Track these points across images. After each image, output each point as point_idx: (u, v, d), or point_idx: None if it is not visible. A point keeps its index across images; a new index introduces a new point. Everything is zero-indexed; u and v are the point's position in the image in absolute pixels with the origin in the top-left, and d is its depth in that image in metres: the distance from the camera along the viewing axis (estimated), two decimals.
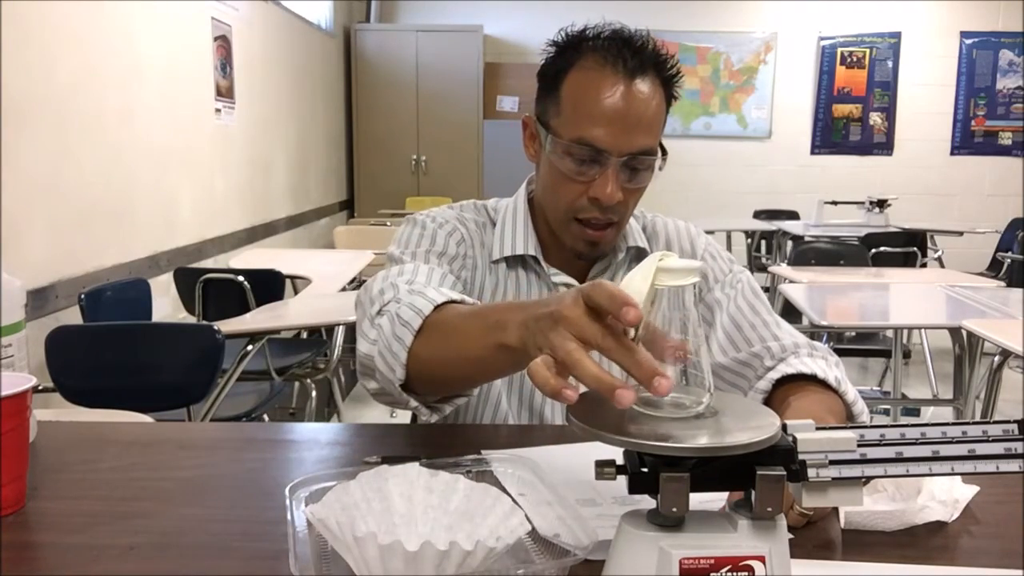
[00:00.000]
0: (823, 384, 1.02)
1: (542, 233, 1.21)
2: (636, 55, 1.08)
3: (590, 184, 1.08)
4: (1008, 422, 0.63)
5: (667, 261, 0.65)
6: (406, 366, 0.91)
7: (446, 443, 1.08)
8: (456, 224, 1.20)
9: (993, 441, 0.63)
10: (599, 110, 1.06)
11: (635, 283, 0.65)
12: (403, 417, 3.63)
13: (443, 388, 0.95)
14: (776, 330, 1.16)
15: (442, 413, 0.99)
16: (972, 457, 0.63)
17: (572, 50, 1.10)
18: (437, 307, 0.92)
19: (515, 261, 1.21)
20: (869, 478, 0.64)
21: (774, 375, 1.06)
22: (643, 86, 1.07)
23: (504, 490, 0.77)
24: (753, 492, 0.61)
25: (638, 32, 1.11)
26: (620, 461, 0.63)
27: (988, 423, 0.63)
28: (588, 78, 1.07)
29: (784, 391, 1.04)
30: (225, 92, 4.21)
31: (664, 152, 1.12)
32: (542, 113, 1.13)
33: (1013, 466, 0.63)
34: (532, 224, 1.21)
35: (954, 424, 0.63)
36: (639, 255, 1.24)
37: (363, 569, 0.65)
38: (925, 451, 0.63)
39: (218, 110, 4.13)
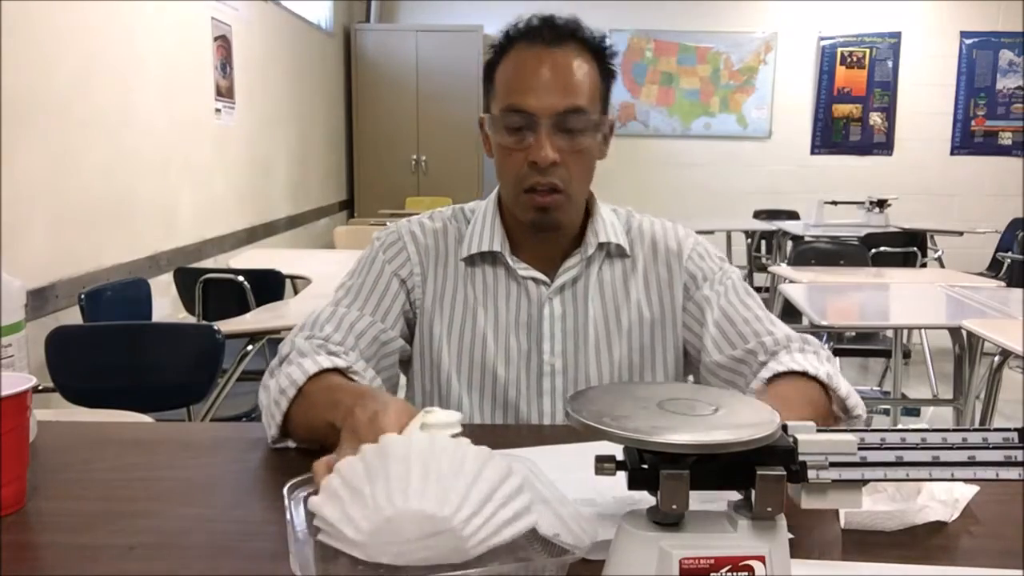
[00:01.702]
0: (814, 380, 1.03)
1: (511, 229, 1.23)
2: (554, 29, 1.14)
3: (528, 151, 1.12)
4: (1008, 430, 0.64)
5: (430, 417, 0.80)
6: (282, 426, 1.04)
7: None
8: (406, 241, 1.25)
9: (993, 448, 0.63)
10: (522, 77, 1.13)
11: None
12: None
13: (313, 444, 1.01)
14: (769, 325, 1.17)
15: None
16: (972, 463, 0.63)
17: (505, 43, 1.17)
18: (311, 377, 1.03)
19: (485, 258, 1.23)
20: (868, 480, 0.64)
21: (765, 374, 1.06)
22: (563, 51, 1.13)
23: None
24: (753, 492, 0.61)
25: (569, 17, 1.18)
26: (620, 457, 0.63)
27: (988, 430, 0.64)
28: (514, 58, 1.15)
29: (774, 388, 1.04)
30: (225, 92, 4.21)
31: (606, 118, 1.16)
32: (486, 107, 1.19)
33: (1012, 473, 0.63)
34: (501, 221, 1.24)
35: (955, 430, 0.64)
36: (619, 251, 1.24)
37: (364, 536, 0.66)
38: (925, 456, 0.63)
39: (218, 110, 4.13)
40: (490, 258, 1.23)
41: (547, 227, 1.18)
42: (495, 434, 1.14)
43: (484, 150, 1.22)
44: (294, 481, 0.78)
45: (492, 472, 0.69)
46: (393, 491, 0.67)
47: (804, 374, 1.03)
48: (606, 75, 1.17)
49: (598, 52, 1.16)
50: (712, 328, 1.18)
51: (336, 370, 1.06)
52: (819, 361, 1.06)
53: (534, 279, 1.22)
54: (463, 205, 1.30)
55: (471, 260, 1.23)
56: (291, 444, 1.05)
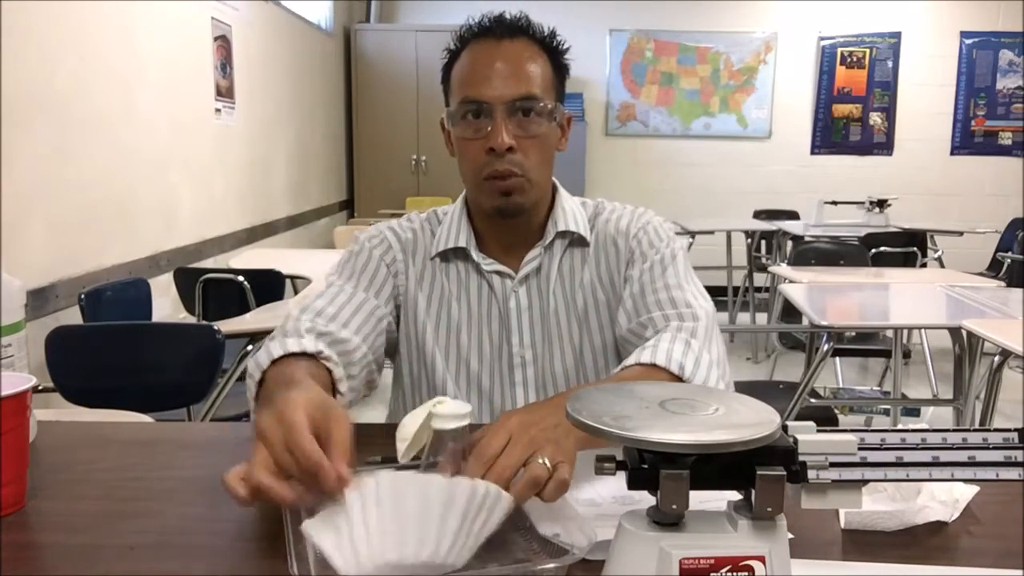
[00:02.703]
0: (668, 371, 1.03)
1: (478, 226, 1.27)
2: (503, 24, 1.19)
3: (486, 139, 1.16)
4: (1008, 430, 0.64)
5: (440, 408, 0.79)
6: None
7: None
8: (387, 234, 1.29)
9: (993, 448, 0.63)
10: (476, 70, 1.18)
11: (407, 427, 0.81)
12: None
13: None
14: (675, 292, 1.17)
15: None
16: (972, 464, 0.63)
17: (459, 44, 1.22)
18: (274, 362, 1.02)
19: (454, 255, 1.27)
20: (868, 481, 0.64)
21: (628, 361, 1.07)
22: (513, 44, 1.18)
23: None
24: (753, 492, 0.61)
25: (519, 14, 1.21)
26: (620, 457, 0.63)
27: (988, 431, 0.64)
28: (467, 55, 1.20)
29: (622, 375, 1.06)
30: (225, 92, 4.21)
31: (560, 108, 1.20)
32: (446, 106, 1.24)
33: (1012, 474, 0.63)
34: (468, 219, 1.28)
35: (955, 431, 0.64)
36: (580, 241, 1.27)
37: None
38: (925, 456, 0.63)
39: (218, 110, 4.13)
40: (461, 254, 1.27)
41: (511, 212, 1.20)
42: None
43: (448, 150, 1.26)
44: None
45: (494, 514, 0.70)
46: (407, 542, 0.66)
47: (662, 367, 1.03)
48: (559, 69, 1.22)
49: (549, 47, 1.21)
50: (627, 301, 1.21)
51: (304, 354, 1.03)
52: (684, 348, 1.05)
53: (498, 272, 1.25)
54: (436, 208, 1.34)
55: (444, 256, 1.27)
56: None
